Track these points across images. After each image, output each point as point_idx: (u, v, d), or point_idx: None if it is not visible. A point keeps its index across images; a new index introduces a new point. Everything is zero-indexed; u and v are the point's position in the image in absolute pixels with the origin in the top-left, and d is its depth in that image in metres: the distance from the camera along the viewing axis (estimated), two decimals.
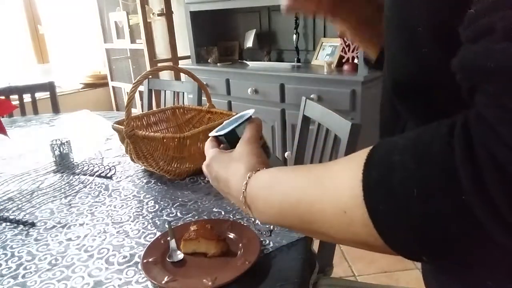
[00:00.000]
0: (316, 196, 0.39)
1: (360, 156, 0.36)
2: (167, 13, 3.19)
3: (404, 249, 0.34)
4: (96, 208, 0.92)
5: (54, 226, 0.85)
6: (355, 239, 0.37)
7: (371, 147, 0.36)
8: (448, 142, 0.29)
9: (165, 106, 1.78)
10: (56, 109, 2.02)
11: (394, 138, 0.35)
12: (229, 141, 0.57)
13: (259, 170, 0.49)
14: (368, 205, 0.34)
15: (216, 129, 0.60)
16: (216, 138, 0.59)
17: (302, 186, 0.41)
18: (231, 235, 0.75)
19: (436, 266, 0.47)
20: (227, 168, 0.52)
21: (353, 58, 2.23)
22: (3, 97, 1.81)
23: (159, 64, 3.18)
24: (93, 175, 1.11)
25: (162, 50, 3.56)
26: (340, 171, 0.38)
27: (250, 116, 0.58)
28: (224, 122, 0.61)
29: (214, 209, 0.87)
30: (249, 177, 0.48)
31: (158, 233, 0.79)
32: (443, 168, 0.29)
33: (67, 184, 1.06)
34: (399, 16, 0.42)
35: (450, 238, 0.30)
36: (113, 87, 3.79)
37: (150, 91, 2.03)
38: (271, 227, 0.77)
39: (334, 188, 0.38)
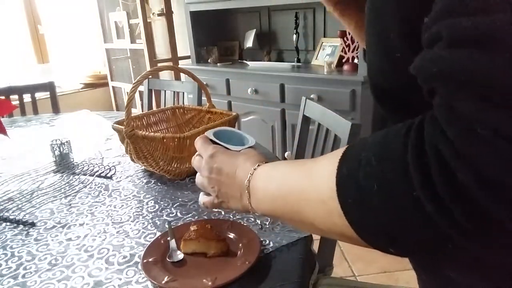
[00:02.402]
0: (304, 187, 0.43)
1: (340, 152, 0.39)
2: (167, 13, 3.19)
3: (372, 240, 0.37)
4: (96, 208, 0.92)
5: (54, 226, 0.85)
6: (334, 230, 0.40)
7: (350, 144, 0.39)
8: (403, 141, 0.32)
9: (165, 106, 1.78)
10: (56, 109, 2.02)
11: (368, 136, 0.37)
12: None
13: (266, 163, 0.52)
14: (340, 198, 0.37)
15: (213, 131, 0.62)
16: (214, 142, 0.60)
17: (295, 178, 0.45)
18: (231, 235, 0.75)
19: (410, 259, 0.49)
20: (236, 159, 0.55)
21: (353, 58, 2.23)
22: (3, 97, 1.81)
23: (159, 64, 3.18)
24: (93, 175, 1.11)
25: (162, 50, 3.56)
26: (324, 165, 0.41)
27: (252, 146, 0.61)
28: (220, 128, 0.64)
29: (214, 209, 0.87)
30: (258, 165, 0.51)
31: (158, 233, 0.79)
32: (398, 165, 0.32)
33: (67, 184, 1.06)
34: (374, 23, 0.44)
35: (407, 232, 0.33)
36: (113, 87, 3.79)
37: (150, 91, 2.03)
38: (265, 222, 0.78)
39: (318, 180, 0.41)
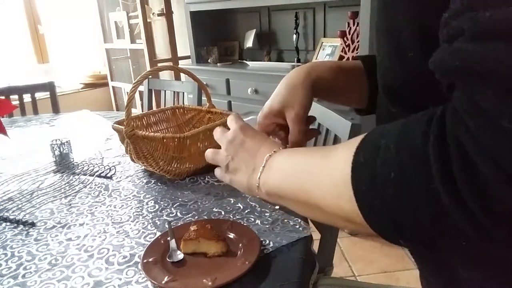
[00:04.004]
0: (319, 168, 0.43)
1: (359, 138, 0.39)
2: (167, 13, 3.19)
3: (382, 229, 0.36)
4: (96, 208, 0.92)
5: (54, 226, 0.85)
6: (340, 214, 0.40)
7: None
8: (425, 131, 0.31)
9: (165, 106, 1.78)
10: (56, 109, 2.02)
11: (387, 124, 0.37)
12: None
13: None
14: (354, 184, 0.36)
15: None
16: None
17: (311, 158, 0.45)
18: (231, 235, 0.75)
19: (412, 251, 0.49)
20: (264, 140, 0.55)
21: (353, 58, 2.23)
22: (3, 97, 1.81)
23: (159, 64, 3.18)
24: (93, 175, 1.11)
25: (162, 50, 3.56)
26: (342, 150, 0.41)
27: None
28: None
29: (214, 209, 0.87)
30: (281, 148, 0.51)
31: (158, 233, 0.79)
32: (417, 155, 0.31)
33: (67, 184, 1.06)
34: (385, 23, 0.44)
35: (420, 223, 0.32)
36: (113, 87, 3.79)
37: (150, 91, 2.03)
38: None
39: (333, 163, 0.41)
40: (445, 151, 0.29)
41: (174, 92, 1.91)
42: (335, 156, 0.41)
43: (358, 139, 0.38)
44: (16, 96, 2.00)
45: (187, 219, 0.85)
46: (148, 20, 3.17)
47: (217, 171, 0.59)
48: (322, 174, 0.42)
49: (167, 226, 0.78)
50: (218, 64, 2.75)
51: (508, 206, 0.27)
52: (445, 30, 0.31)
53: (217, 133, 0.60)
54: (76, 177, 1.11)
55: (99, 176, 1.10)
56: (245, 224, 0.79)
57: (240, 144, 0.55)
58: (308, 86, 0.60)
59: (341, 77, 0.65)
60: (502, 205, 0.27)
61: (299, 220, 0.79)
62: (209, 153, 0.60)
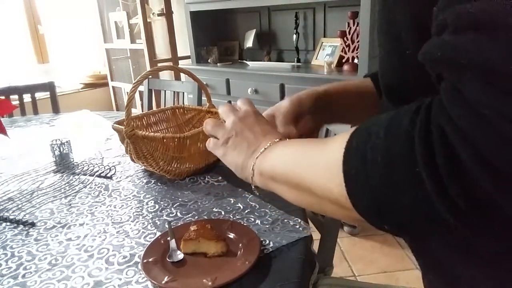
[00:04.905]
0: (315, 153, 0.44)
1: (355, 127, 0.40)
2: (167, 13, 3.19)
3: (366, 213, 0.37)
4: (96, 208, 0.92)
5: (54, 226, 0.85)
6: (331, 197, 0.40)
7: None
8: (412, 118, 0.33)
9: (165, 106, 1.78)
10: (56, 109, 2.02)
11: (382, 114, 0.38)
12: None
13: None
14: (344, 167, 0.37)
15: None
16: None
17: (309, 146, 0.46)
18: (231, 235, 0.75)
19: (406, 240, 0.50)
20: (274, 130, 0.55)
21: (353, 58, 2.23)
22: (3, 97, 1.81)
23: (159, 64, 3.18)
24: (93, 175, 1.11)
25: (162, 50, 3.56)
26: (338, 138, 0.42)
27: None
28: None
29: (214, 209, 0.87)
30: (286, 138, 0.52)
31: (158, 233, 0.79)
32: (404, 140, 0.32)
33: (67, 184, 1.06)
34: (385, 22, 0.45)
35: (403, 207, 0.33)
36: (113, 87, 3.79)
37: (150, 91, 2.03)
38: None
39: (329, 148, 0.42)
40: (429, 138, 0.30)
41: (174, 92, 1.91)
42: (332, 143, 0.42)
43: (354, 128, 0.39)
44: (16, 96, 2.00)
45: (187, 219, 0.85)
46: (148, 20, 3.17)
47: (211, 142, 0.58)
48: (316, 158, 0.43)
49: (167, 226, 0.79)
50: (218, 64, 2.75)
51: (487, 193, 0.28)
52: (435, 23, 0.32)
53: (225, 108, 0.59)
54: (76, 177, 1.11)
55: (99, 176, 1.10)
56: (245, 224, 0.79)
57: (250, 125, 0.55)
58: (309, 96, 0.62)
59: (348, 98, 0.67)
60: (481, 191, 0.28)
61: (299, 220, 0.79)
62: (209, 124, 0.59)
